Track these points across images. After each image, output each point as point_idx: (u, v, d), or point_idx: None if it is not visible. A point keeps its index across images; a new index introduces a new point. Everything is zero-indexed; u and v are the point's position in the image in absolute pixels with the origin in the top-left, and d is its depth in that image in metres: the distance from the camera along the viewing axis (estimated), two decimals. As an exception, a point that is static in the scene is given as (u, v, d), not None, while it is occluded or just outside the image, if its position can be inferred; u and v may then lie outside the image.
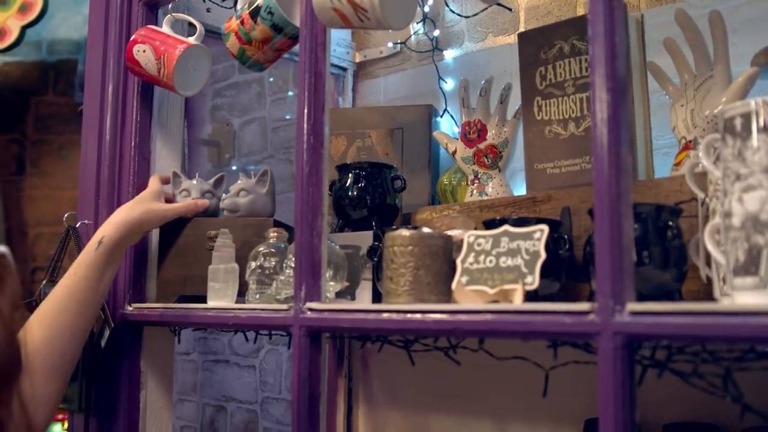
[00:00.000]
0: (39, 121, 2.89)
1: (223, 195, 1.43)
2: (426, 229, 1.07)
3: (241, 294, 1.33)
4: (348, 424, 1.82)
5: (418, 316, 0.97)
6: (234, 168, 2.32)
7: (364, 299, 1.30)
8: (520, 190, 1.43)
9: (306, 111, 1.16)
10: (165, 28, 1.47)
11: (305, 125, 1.16)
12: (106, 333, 1.41)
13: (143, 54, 1.43)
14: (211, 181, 1.47)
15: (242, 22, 1.28)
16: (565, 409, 1.45)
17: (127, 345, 1.45)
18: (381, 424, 1.78)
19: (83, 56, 2.92)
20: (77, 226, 1.51)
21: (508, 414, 1.57)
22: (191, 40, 1.44)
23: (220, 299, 1.29)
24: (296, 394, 1.11)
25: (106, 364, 1.44)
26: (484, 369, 1.49)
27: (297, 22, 1.25)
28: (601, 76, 0.85)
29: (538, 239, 0.96)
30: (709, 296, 0.96)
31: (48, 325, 1.16)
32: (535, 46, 1.31)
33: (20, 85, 2.89)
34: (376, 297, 1.27)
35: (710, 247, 0.86)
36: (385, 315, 1.00)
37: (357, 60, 1.97)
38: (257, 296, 1.26)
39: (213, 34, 1.55)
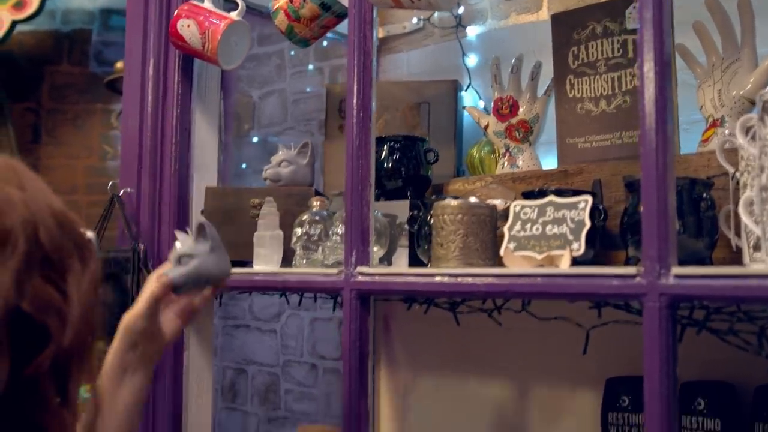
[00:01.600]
0: (54, 91, 2.92)
1: (265, 166, 1.50)
2: (473, 199, 1.14)
3: (285, 261, 1.40)
4: (373, 383, 1.91)
5: (470, 279, 1.05)
6: (255, 139, 2.37)
7: (400, 265, 1.37)
8: (548, 163, 1.51)
9: (355, 87, 1.23)
10: (207, 4, 1.52)
11: (354, 100, 1.22)
12: (153, 296, 1.48)
13: (187, 29, 1.48)
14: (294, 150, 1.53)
15: (291, 0, 1.34)
16: (587, 369, 1.54)
17: (171, 307, 1.51)
18: (403, 387, 1.87)
19: (98, 26, 2.95)
20: (120, 194, 1.57)
21: (529, 374, 1.66)
22: (234, 15, 1.49)
23: (266, 264, 1.36)
24: (347, 352, 1.18)
25: (152, 326, 1.51)
26: (511, 332, 1.57)
27: (344, 1, 1.31)
28: (650, 58, 0.92)
29: (583, 209, 1.04)
30: (736, 263, 1.04)
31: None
32: (568, 26, 1.37)
33: (35, 54, 2.92)
34: (413, 263, 1.35)
35: (745, 218, 0.94)
36: (437, 278, 1.08)
37: (380, 35, 2.03)
38: (304, 261, 1.33)
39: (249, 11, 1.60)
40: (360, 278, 1.18)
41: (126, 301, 1.49)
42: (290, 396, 2.21)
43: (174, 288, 1.04)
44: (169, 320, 1.08)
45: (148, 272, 1.49)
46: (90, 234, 0.81)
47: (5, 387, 0.64)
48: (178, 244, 1.08)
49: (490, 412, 1.71)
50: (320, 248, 1.32)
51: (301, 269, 1.31)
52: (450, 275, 1.07)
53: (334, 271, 1.22)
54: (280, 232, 1.38)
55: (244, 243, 1.43)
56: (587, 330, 1.07)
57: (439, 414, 1.80)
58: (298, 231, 1.35)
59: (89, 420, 1.01)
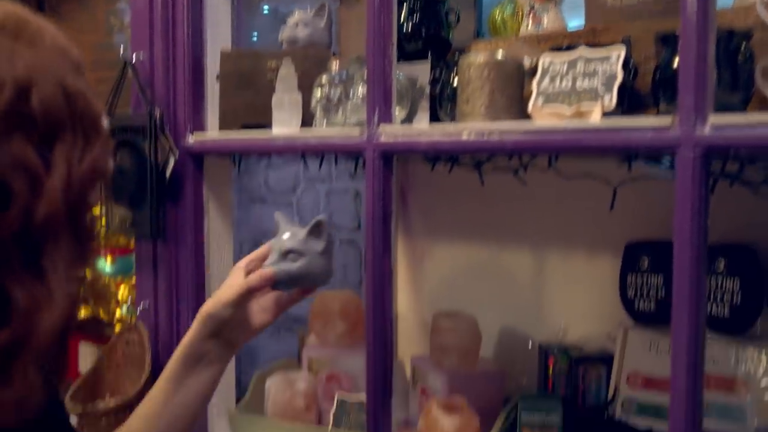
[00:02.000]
0: (56, -38, 2.82)
1: (282, 27, 1.45)
2: (499, 54, 1.11)
3: (304, 125, 1.38)
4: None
5: (498, 135, 1.03)
6: (265, 10, 2.30)
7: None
8: (574, 23, 1.45)
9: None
10: None
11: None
12: (171, 162, 1.47)
13: None
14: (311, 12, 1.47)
15: None
16: (608, 233, 1.55)
17: (190, 174, 1.51)
18: (420, 254, 1.89)
19: None
20: (133, 61, 1.53)
21: (549, 238, 1.67)
22: None
23: (285, 127, 1.34)
24: (370, 212, 1.18)
25: (172, 193, 1.51)
26: (534, 194, 1.56)
27: None
28: None
29: (615, 62, 1.01)
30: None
31: None
32: None
33: None
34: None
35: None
36: (464, 135, 1.06)
37: None
38: (324, 124, 1.31)
39: None
40: (383, 138, 1.16)
41: (143, 168, 1.48)
42: (307, 266, 2.24)
43: (275, 284, 0.97)
44: (256, 312, 1.00)
45: (166, 138, 1.47)
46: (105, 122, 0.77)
47: None
48: (286, 236, 0.98)
49: (507, 278, 1.73)
50: (340, 110, 1.30)
51: (322, 131, 1.29)
52: (477, 131, 1.05)
53: (357, 131, 1.20)
54: (299, 95, 1.36)
55: (262, 106, 1.40)
56: (614, 187, 1.05)
57: (456, 281, 1.83)
58: (318, 93, 1.32)
59: (154, 405, 0.96)
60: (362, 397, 1.59)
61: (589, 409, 1.53)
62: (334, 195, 2.14)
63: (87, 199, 0.70)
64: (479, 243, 1.78)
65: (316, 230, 0.98)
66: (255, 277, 0.96)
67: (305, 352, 1.75)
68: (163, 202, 1.50)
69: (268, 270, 0.96)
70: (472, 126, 1.06)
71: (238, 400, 1.67)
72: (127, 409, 1.36)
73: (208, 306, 0.98)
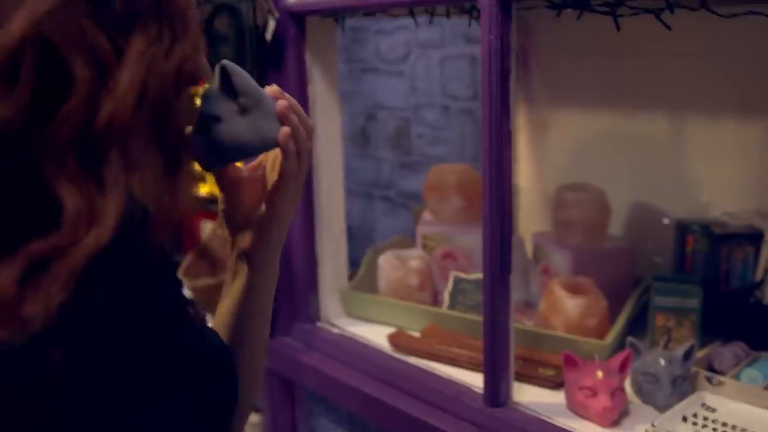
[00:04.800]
0: None
1: None
2: None
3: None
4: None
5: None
6: None
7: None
8: None
9: None
10: None
11: None
12: (271, 24, 1.37)
13: None
14: None
15: None
16: (761, 92, 1.34)
17: (292, 38, 1.40)
18: (542, 123, 1.73)
19: None
20: None
21: (687, 106, 1.48)
22: None
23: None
24: (486, 69, 1.04)
25: (273, 59, 1.41)
26: (673, 45, 1.37)
27: None
28: None
29: None
30: None
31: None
32: None
33: None
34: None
35: None
36: (597, -30, 0.89)
37: None
38: (434, -29, 1.16)
39: None
40: (500, -19, 1.00)
41: (242, 33, 1.38)
42: (423, 140, 2.12)
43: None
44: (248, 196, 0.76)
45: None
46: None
47: (22, 131, 0.51)
48: (209, 94, 0.70)
49: (641, 147, 1.56)
50: (452, -46, 1.14)
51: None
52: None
53: (470, -24, 1.05)
54: (405, -59, 1.20)
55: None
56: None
57: (583, 151, 1.67)
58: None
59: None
60: (478, 274, 1.50)
61: (733, 293, 1.38)
62: (448, 62, 1.98)
63: (172, 104, 0.59)
64: (609, 108, 1.61)
65: (225, 83, 0.69)
66: None
67: (419, 228, 1.67)
68: (265, 69, 1.41)
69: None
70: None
71: (350, 277, 1.61)
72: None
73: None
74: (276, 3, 1.37)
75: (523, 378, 1.24)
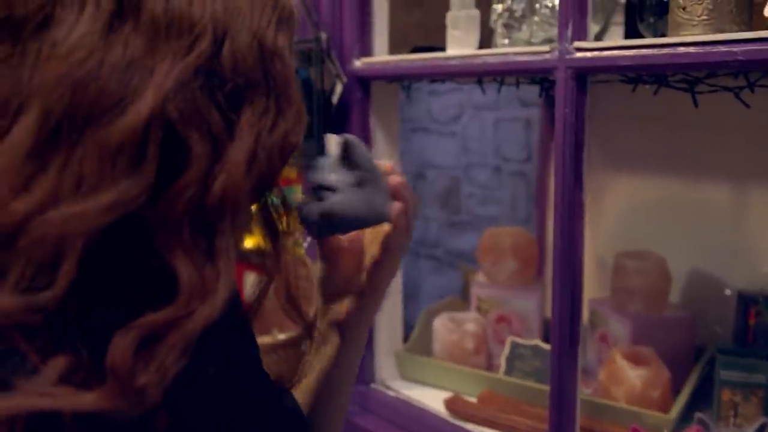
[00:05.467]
0: None
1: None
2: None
3: (482, 44, 1.25)
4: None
5: (723, 47, 0.86)
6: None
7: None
8: None
9: None
10: None
11: None
12: (338, 88, 1.39)
13: None
14: None
15: None
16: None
17: (357, 101, 1.43)
18: (600, 189, 1.73)
19: None
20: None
21: (751, 175, 1.47)
22: None
23: (461, 47, 1.22)
24: (561, 142, 1.05)
25: (338, 120, 1.43)
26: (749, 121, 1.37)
27: None
28: None
29: None
30: None
31: None
32: None
33: None
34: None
35: None
36: (680, 48, 0.90)
37: None
38: (506, 41, 1.18)
39: None
40: (577, 54, 1.02)
41: (309, 96, 1.41)
42: (473, 200, 2.13)
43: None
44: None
45: (332, 63, 1.39)
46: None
47: (140, 206, 0.52)
48: (321, 164, 0.72)
49: (701, 215, 1.55)
50: (525, 25, 1.16)
51: (504, 49, 1.16)
52: (698, 43, 0.88)
53: (546, 48, 1.06)
54: (477, 11, 1.23)
55: (434, 26, 1.29)
56: None
57: (639, 217, 1.66)
58: (498, 7, 1.19)
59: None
60: (536, 341, 1.49)
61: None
62: (502, 124, 2.00)
63: (273, 175, 0.59)
64: (668, 175, 1.60)
65: (347, 155, 0.71)
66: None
67: (474, 290, 1.66)
68: (330, 130, 1.43)
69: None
70: (691, 38, 0.90)
71: (404, 339, 1.61)
72: (296, 345, 1.32)
73: None
74: (344, 68, 1.40)
75: (586, 450, 1.22)
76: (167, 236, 0.55)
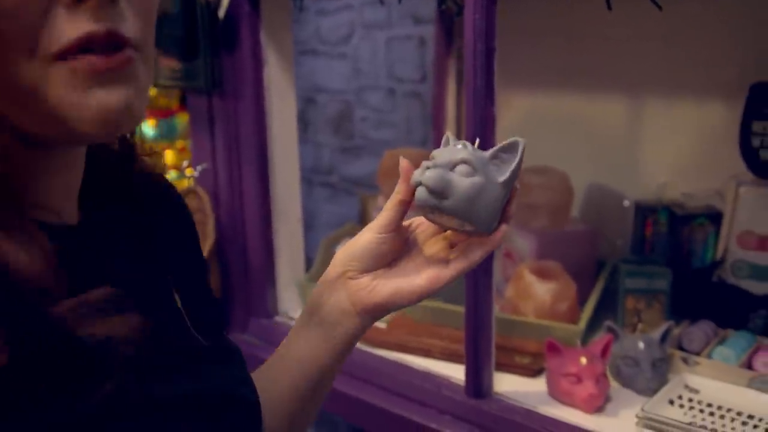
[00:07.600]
0: None
1: None
2: None
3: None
4: (458, 107, 1.74)
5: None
6: None
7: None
8: None
9: None
10: None
11: None
12: (225, 1, 1.28)
13: None
14: None
15: None
16: (718, 73, 1.35)
17: (245, 15, 1.32)
18: (499, 106, 1.70)
19: None
20: None
21: (645, 87, 1.48)
22: None
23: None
24: (471, 49, 1.00)
25: (226, 38, 1.32)
26: (629, 28, 1.36)
27: None
28: None
29: None
30: None
31: None
32: None
33: None
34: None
35: None
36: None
37: None
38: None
39: None
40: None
41: (192, 10, 1.29)
42: (366, 124, 2.07)
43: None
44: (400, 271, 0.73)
45: None
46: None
47: None
48: (459, 146, 0.68)
49: (598, 129, 1.55)
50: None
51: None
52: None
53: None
54: None
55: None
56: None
57: (537, 133, 1.65)
58: None
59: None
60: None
61: (694, 272, 1.39)
62: (394, 43, 1.93)
63: None
64: (564, 90, 1.59)
65: (507, 151, 0.68)
66: (396, 193, 0.70)
67: (375, 215, 1.61)
68: (218, 49, 1.32)
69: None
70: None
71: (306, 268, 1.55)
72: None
73: (347, 247, 0.75)
74: (228, -21, 1.29)
75: (499, 367, 1.21)
76: None
